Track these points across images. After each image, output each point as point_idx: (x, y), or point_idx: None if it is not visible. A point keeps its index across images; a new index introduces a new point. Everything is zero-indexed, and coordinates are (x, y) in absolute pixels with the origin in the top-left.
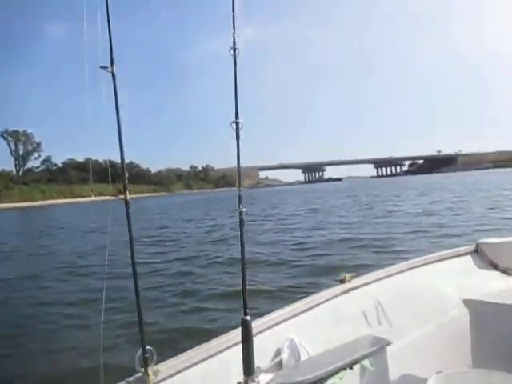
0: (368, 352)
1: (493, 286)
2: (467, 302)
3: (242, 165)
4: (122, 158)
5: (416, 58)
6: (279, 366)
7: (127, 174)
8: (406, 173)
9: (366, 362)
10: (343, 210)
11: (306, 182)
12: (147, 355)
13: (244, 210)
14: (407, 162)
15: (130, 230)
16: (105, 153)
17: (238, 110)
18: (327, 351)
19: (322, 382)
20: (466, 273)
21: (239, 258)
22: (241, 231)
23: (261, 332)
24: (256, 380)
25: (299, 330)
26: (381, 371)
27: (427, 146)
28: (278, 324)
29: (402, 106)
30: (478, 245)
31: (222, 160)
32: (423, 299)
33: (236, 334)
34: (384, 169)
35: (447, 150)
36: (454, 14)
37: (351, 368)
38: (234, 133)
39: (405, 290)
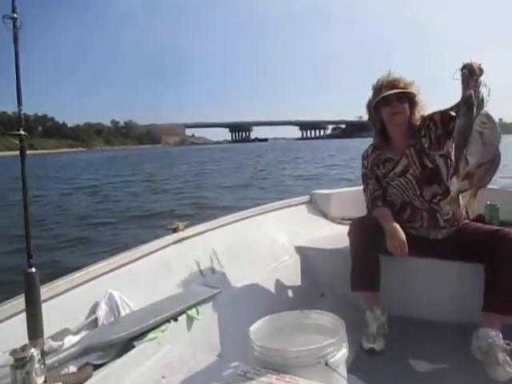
0: (196, 302)
1: (322, 233)
2: (298, 249)
3: (167, 121)
4: None
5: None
6: (94, 324)
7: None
8: (329, 136)
9: (192, 312)
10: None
11: (233, 141)
12: None
13: (24, 133)
14: (331, 126)
15: None
16: None
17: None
18: (151, 304)
19: (141, 337)
20: (299, 221)
21: None
22: (22, 162)
23: (74, 287)
24: (47, 343)
25: (122, 284)
26: (209, 320)
27: (350, 111)
28: (95, 278)
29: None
30: (311, 195)
31: (146, 115)
32: (258, 247)
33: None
34: (309, 131)
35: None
36: None
37: (176, 320)
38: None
39: (240, 239)
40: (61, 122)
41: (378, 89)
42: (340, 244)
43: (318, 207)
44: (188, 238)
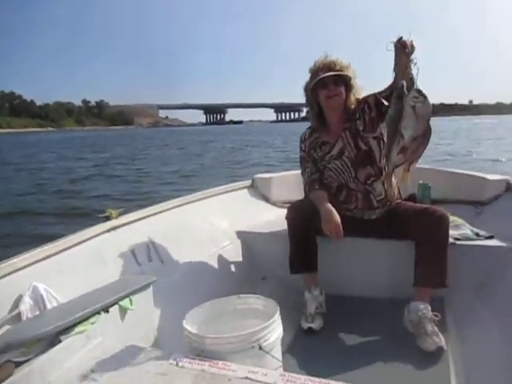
0: (129, 291)
1: (263, 218)
2: (239, 234)
3: (139, 101)
4: None
5: None
6: (16, 319)
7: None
8: (304, 119)
9: (125, 303)
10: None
11: (207, 123)
12: None
13: None
14: (305, 109)
15: None
16: None
17: None
18: (80, 296)
19: (68, 330)
20: (241, 206)
21: None
22: None
23: None
24: None
25: (49, 276)
26: (144, 310)
27: None
28: (18, 270)
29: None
30: (253, 180)
31: (118, 95)
32: (197, 233)
33: None
34: (284, 114)
35: None
36: None
37: (107, 311)
38: None
39: (179, 225)
40: (29, 100)
41: (314, 71)
42: (281, 227)
43: (259, 191)
44: (122, 225)
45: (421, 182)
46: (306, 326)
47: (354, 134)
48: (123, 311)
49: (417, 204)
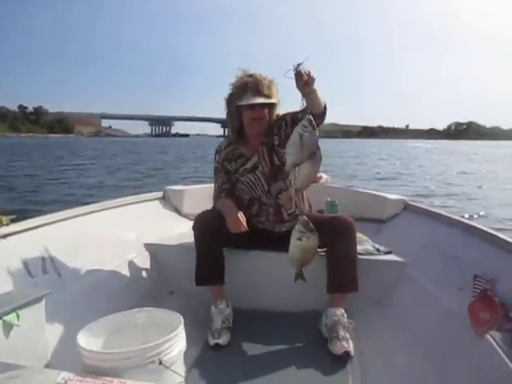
0: (15, 306)
1: (174, 230)
2: (147, 246)
3: (80, 110)
4: None
5: None
6: None
7: None
8: None
9: (10, 318)
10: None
11: (152, 135)
12: None
13: None
14: None
15: None
16: None
17: None
18: None
19: None
20: (151, 217)
21: None
22: None
23: None
24: None
25: None
26: (34, 326)
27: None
28: None
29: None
30: (165, 191)
31: (58, 102)
32: (102, 244)
33: None
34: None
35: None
36: None
37: None
38: None
39: (81, 235)
40: None
41: (240, 87)
42: (191, 240)
43: (171, 203)
44: (14, 233)
45: (329, 199)
46: (212, 342)
47: (270, 148)
48: (8, 327)
49: (326, 214)
